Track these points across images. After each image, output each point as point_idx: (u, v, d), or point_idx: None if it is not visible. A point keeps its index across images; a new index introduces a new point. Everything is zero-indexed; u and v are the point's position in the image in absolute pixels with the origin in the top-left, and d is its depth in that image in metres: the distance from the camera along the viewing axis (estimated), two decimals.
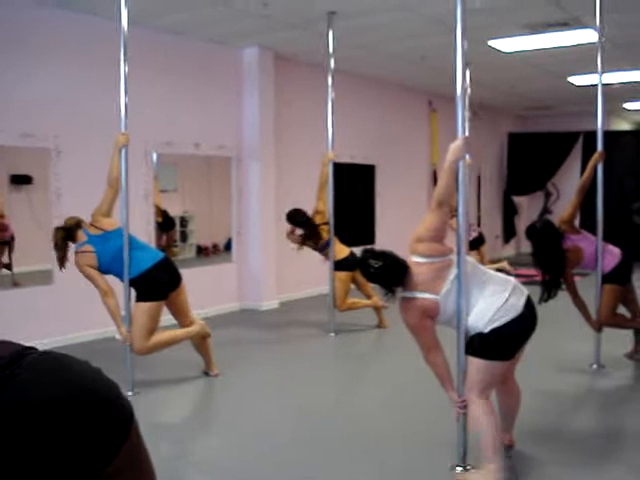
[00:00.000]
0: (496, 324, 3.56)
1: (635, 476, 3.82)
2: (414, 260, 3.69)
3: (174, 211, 9.15)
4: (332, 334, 7.31)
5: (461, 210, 3.73)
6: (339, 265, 7.34)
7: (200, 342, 5.64)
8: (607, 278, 5.69)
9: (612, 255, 5.72)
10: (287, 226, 7.72)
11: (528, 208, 15.87)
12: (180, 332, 5.47)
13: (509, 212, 15.61)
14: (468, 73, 3.74)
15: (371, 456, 4.05)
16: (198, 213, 9.60)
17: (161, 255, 5.45)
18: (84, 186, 6.75)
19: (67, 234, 5.20)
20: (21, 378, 1.30)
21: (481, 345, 3.62)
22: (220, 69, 8.57)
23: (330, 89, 7.23)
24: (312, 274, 7.71)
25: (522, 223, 15.68)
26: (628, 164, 13.67)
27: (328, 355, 6.89)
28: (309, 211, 7.47)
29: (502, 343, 3.61)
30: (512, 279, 3.79)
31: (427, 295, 3.60)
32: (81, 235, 5.18)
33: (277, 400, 5.22)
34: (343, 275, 7.36)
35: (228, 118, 8.68)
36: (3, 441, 1.22)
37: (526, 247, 15.58)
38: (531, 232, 5.69)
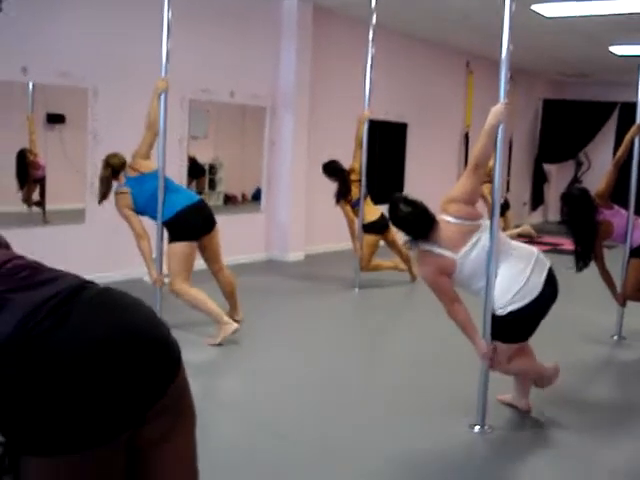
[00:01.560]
0: (514, 306, 3.64)
1: (630, 438, 3.88)
2: (444, 219, 3.73)
3: (203, 158, 9.19)
4: (356, 289, 7.37)
5: (497, 176, 3.74)
6: (368, 227, 7.36)
7: (228, 290, 5.73)
8: (635, 252, 5.68)
9: None
10: (318, 178, 7.77)
11: (558, 176, 15.75)
12: (214, 308, 5.33)
13: (539, 179, 15.49)
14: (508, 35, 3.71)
15: (388, 409, 4.14)
16: (228, 161, 9.63)
17: (196, 198, 5.51)
18: (120, 128, 6.80)
19: (114, 172, 5.32)
20: (77, 315, 1.36)
21: (500, 329, 3.71)
22: (259, 19, 8.52)
23: (371, 44, 7.16)
24: (339, 228, 7.74)
25: (551, 191, 15.60)
26: None
27: (350, 309, 6.98)
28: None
29: (520, 326, 3.72)
30: (536, 250, 3.82)
31: (446, 252, 3.65)
32: (121, 176, 5.31)
33: (297, 348, 5.32)
34: (371, 238, 7.39)
35: (264, 68, 8.66)
36: (58, 376, 1.29)
37: (553, 215, 15.57)
38: (568, 198, 5.67)
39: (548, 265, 3.79)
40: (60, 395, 1.29)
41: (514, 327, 3.72)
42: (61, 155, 7.12)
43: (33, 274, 1.42)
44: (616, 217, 5.65)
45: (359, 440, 3.71)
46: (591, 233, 5.50)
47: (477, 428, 3.81)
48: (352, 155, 7.57)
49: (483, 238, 3.68)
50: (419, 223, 3.70)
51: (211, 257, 5.59)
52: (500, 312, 3.66)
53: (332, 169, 7.50)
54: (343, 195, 7.40)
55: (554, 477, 3.44)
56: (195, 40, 7.63)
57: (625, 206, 5.71)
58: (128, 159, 5.37)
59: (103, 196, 5.39)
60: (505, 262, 3.69)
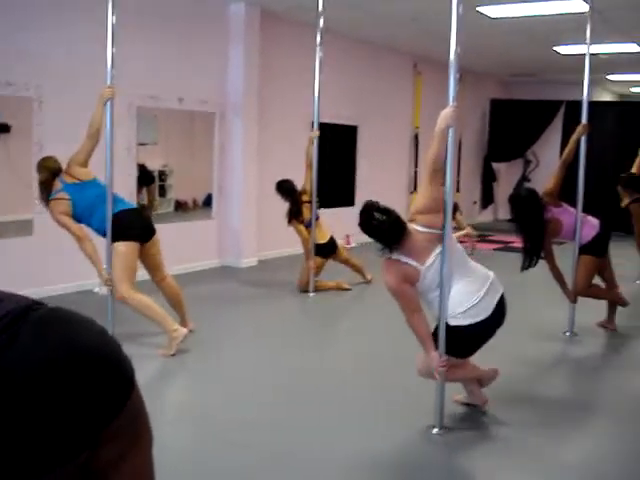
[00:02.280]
0: (462, 322, 3.72)
1: (597, 440, 3.95)
2: (413, 227, 3.74)
3: (153, 165, 9.09)
4: (311, 293, 7.37)
5: (449, 180, 3.76)
6: (317, 249, 7.40)
7: (174, 299, 5.67)
8: (585, 249, 5.77)
9: (591, 226, 5.79)
10: (268, 183, 7.75)
11: (507, 175, 15.94)
12: (161, 313, 5.24)
13: (488, 178, 15.67)
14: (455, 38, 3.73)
15: (343, 411, 4.13)
16: (177, 168, 9.55)
17: (134, 205, 5.55)
18: (66, 137, 6.65)
19: (53, 176, 5.19)
20: (24, 339, 1.31)
21: (446, 342, 3.76)
22: (206, 24, 8.46)
23: (318, 48, 7.17)
24: (292, 233, 7.71)
25: (501, 190, 15.79)
26: (609, 135, 13.73)
27: (305, 313, 6.99)
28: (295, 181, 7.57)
29: (465, 342, 3.79)
30: (492, 274, 3.89)
31: (412, 262, 3.67)
32: (57, 183, 5.19)
33: (252, 354, 5.29)
34: (318, 261, 7.43)
35: (213, 74, 8.60)
36: (6, 399, 1.24)
37: (504, 214, 15.76)
38: (515, 200, 5.75)
39: (501, 291, 3.87)
40: (7, 419, 1.24)
41: (459, 342, 3.79)
42: (6, 165, 6.96)
43: None
44: (564, 215, 5.73)
45: (313, 444, 3.70)
46: (539, 232, 5.56)
47: (435, 430, 3.83)
48: (304, 176, 7.54)
49: (453, 242, 3.76)
50: (393, 231, 3.66)
51: (153, 266, 5.51)
52: (450, 322, 3.73)
53: (285, 189, 7.45)
54: (294, 216, 7.39)
55: (510, 476, 3.46)
56: (142, 47, 7.54)
57: (573, 204, 5.79)
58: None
59: (47, 201, 5.24)
60: (461, 281, 3.75)
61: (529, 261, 5.59)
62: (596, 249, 5.78)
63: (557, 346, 5.79)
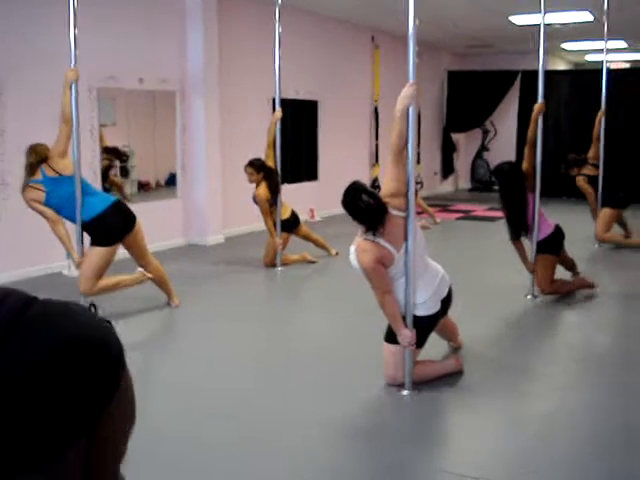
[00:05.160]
0: (420, 312, 3.94)
1: (560, 395, 4.12)
2: (391, 212, 3.85)
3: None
4: (278, 268, 7.47)
5: (411, 157, 3.86)
6: (281, 225, 7.48)
7: (160, 280, 5.81)
8: (542, 246, 5.97)
9: (547, 224, 6.01)
10: (232, 160, 7.74)
11: (466, 145, 16.14)
12: (127, 278, 5.57)
13: (447, 149, 15.82)
14: (413, 11, 3.82)
15: (316, 378, 4.25)
16: (139, 148, 9.52)
17: (113, 198, 5.52)
18: (28, 122, 6.66)
19: (39, 163, 5.18)
20: (18, 339, 1.41)
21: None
22: (163, 2, 8.42)
23: (277, 23, 7.21)
24: (257, 210, 7.78)
25: (460, 160, 16.00)
26: (564, 103, 13.98)
27: (272, 287, 7.09)
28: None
29: (419, 332, 3.96)
30: (440, 269, 4.13)
31: (389, 247, 3.80)
32: (38, 171, 5.20)
33: (226, 328, 5.37)
34: (282, 236, 7.52)
35: (172, 52, 8.58)
36: (7, 397, 1.34)
37: (464, 183, 16.00)
38: (499, 173, 5.98)
39: (449, 284, 4.14)
40: (7, 417, 1.34)
41: (418, 331, 3.96)
42: None
43: None
44: (531, 201, 5.93)
45: (290, 409, 3.82)
46: (523, 201, 5.80)
47: (405, 392, 3.98)
48: (265, 155, 7.54)
49: (418, 233, 3.92)
50: (378, 215, 3.78)
51: (137, 253, 5.62)
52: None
53: (260, 166, 7.37)
54: (275, 193, 7.36)
55: (479, 435, 3.63)
56: (99, 27, 7.48)
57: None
58: None
59: (25, 184, 5.24)
60: (420, 274, 3.94)
61: (516, 232, 5.88)
62: (552, 247, 6.02)
63: (519, 308, 5.98)
